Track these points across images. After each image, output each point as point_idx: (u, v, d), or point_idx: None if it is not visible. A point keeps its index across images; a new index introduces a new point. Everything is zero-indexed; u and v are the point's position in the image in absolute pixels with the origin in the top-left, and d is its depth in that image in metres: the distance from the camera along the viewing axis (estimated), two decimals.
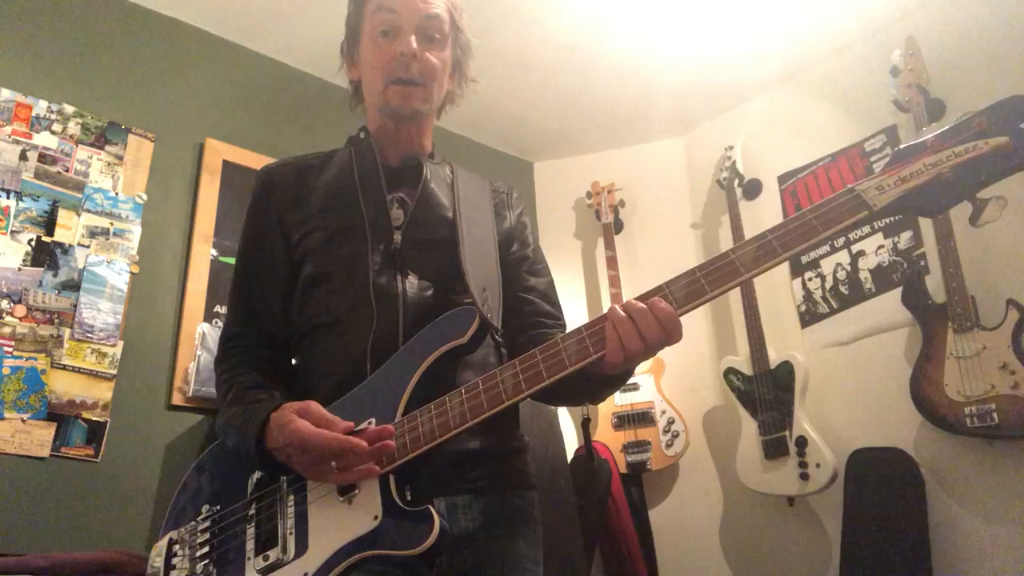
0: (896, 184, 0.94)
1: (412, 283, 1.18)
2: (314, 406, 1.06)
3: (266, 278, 1.26)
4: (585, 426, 2.86)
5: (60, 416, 2.14)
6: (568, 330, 1.07)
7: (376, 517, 1.01)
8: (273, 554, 1.05)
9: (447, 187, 1.30)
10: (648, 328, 0.97)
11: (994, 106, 0.92)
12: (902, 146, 0.96)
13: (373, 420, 1.08)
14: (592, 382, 1.10)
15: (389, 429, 1.03)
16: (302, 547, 1.04)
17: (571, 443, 3.11)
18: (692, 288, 0.98)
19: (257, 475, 1.14)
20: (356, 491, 1.04)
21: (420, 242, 1.21)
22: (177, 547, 1.15)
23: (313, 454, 1.02)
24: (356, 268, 1.18)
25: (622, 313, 0.98)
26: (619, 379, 1.13)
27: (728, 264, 0.97)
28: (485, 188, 1.36)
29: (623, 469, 2.93)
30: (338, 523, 1.03)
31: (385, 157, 1.30)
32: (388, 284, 1.17)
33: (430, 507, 0.99)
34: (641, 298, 1.00)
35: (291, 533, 1.05)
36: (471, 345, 1.09)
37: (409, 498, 1.04)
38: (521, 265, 1.32)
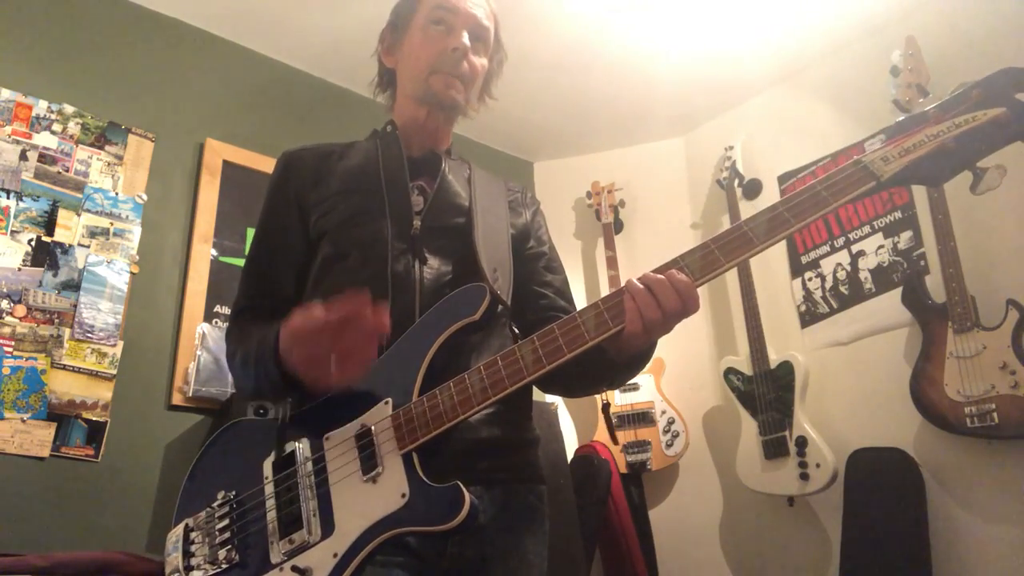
0: (900, 155, 0.95)
1: (429, 269, 1.19)
2: (313, 306, 1.02)
3: (281, 255, 1.27)
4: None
5: (60, 416, 2.14)
6: None
7: (404, 495, 0.99)
8: (298, 536, 1.03)
9: (464, 180, 1.34)
10: (666, 298, 0.97)
11: (990, 77, 0.94)
12: (903, 117, 0.98)
13: (390, 400, 1.07)
14: (611, 365, 1.10)
15: (384, 321, 1.00)
16: (328, 528, 1.02)
17: (571, 443, 3.12)
18: (707, 260, 0.99)
19: (272, 458, 1.12)
20: (380, 470, 1.02)
21: (437, 228, 1.24)
22: (194, 534, 1.13)
23: (307, 345, 1.00)
24: (374, 251, 1.19)
25: (640, 285, 0.99)
26: (637, 361, 1.13)
27: (742, 235, 0.98)
28: (501, 186, 1.40)
29: (623, 469, 2.93)
30: (364, 502, 1.01)
31: (408, 148, 1.33)
32: (405, 270, 1.18)
33: (458, 483, 0.98)
34: (657, 270, 1.00)
35: (315, 515, 1.04)
36: (482, 322, 1.09)
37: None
38: (538, 261, 1.35)
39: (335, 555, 0.99)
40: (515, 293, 1.27)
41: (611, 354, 1.08)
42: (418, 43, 1.32)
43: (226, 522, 1.11)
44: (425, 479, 1.00)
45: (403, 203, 1.24)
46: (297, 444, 1.10)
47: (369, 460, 1.03)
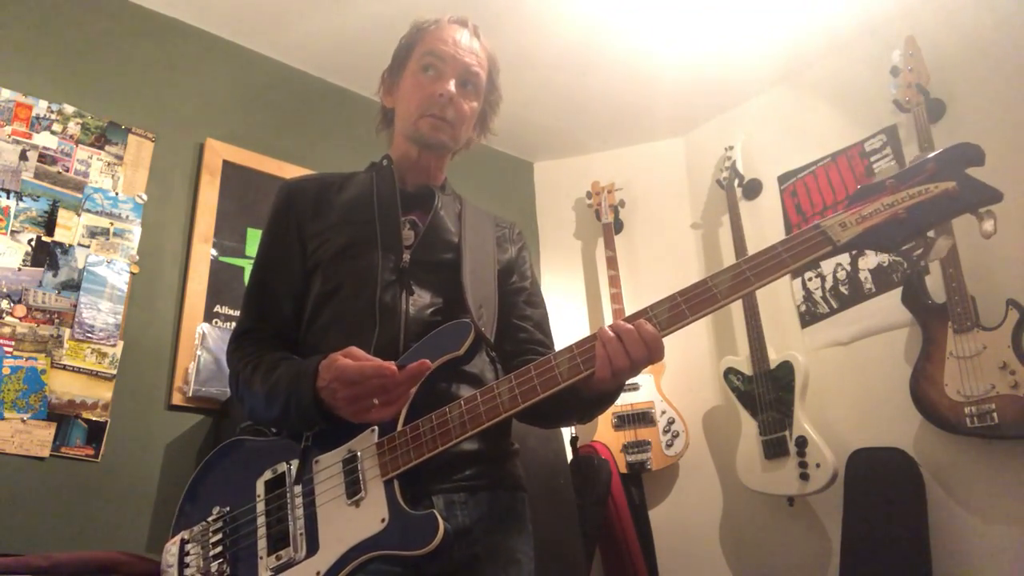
0: (857, 222, 1.03)
1: (415, 301, 1.26)
2: (357, 349, 1.12)
3: (281, 282, 1.34)
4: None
5: (60, 416, 2.14)
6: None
7: (383, 520, 1.06)
8: (285, 553, 1.10)
9: (455, 216, 1.41)
10: (634, 347, 1.05)
11: (945, 151, 1.01)
12: (863, 185, 1.06)
13: (376, 428, 1.13)
14: (582, 401, 1.17)
15: (427, 364, 1.09)
16: (313, 547, 1.09)
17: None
18: (674, 312, 1.06)
19: (265, 477, 1.18)
20: (363, 495, 1.09)
21: (427, 263, 1.31)
22: (189, 546, 1.19)
23: (358, 387, 1.08)
24: (365, 282, 1.26)
25: (611, 333, 1.07)
26: (606, 399, 1.20)
27: (706, 291, 1.05)
28: (490, 222, 1.47)
29: (623, 469, 2.93)
30: (347, 525, 1.08)
31: (403, 183, 1.41)
32: (393, 301, 1.25)
33: (434, 511, 1.05)
34: (628, 319, 1.08)
35: (302, 533, 1.10)
36: (467, 357, 1.16)
37: (408, 496, 1.08)
38: (519, 295, 1.42)
39: (318, 573, 1.06)
40: (497, 325, 1.33)
41: (581, 392, 1.14)
42: (410, 87, 1.41)
43: (219, 536, 1.17)
44: (404, 506, 1.06)
45: (394, 237, 1.31)
46: (289, 465, 1.16)
47: (353, 485, 1.10)
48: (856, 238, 1.02)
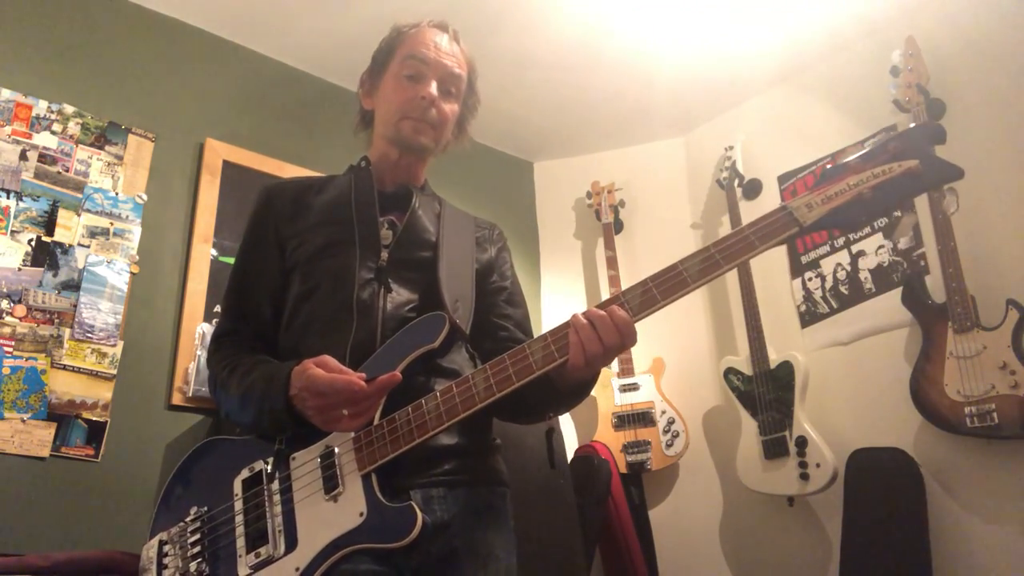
0: (822, 202, 1.04)
1: (393, 298, 1.27)
2: (330, 359, 1.12)
3: (259, 284, 1.36)
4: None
5: (60, 416, 2.14)
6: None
7: (361, 514, 1.06)
8: (264, 551, 1.10)
9: (434, 216, 1.41)
10: (607, 333, 1.05)
11: (908, 131, 1.02)
12: (829, 166, 1.07)
13: None
14: (558, 392, 1.18)
15: (396, 376, 1.10)
16: (291, 543, 1.09)
17: (571, 443, 3.12)
18: (645, 297, 1.06)
19: (243, 476, 1.18)
20: (340, 489, 1.09)
21: (404, 261, 1.31)
22: (168, 547, 1.19)
23: (327, 398, 1.09)
24: (343, 280, 1.27)
25: (584, 320, 1.07)
26: (582, 389, 1.21)
27: (677, 275, 1.06)
28: (470, 222, 1.47)
29: (623, 469, 2.93)
30: (325, 520, 1.08)
31: (381, 184, 1.41)
32: (370, 298, 1.26)
33: (412, 503, 1.06)
34: (600, 306, 1.08)
35: (280, 531, 1.10)
36: (442, 350, 1.18)
37: (387, 491, 1.09)
38: (499, 295, 1.42)
39: (297, 569, 1.06)
40: (477, 324, 1.34)
41: (557, 383, 1.15)
42: (391, 90, 1.41)
43: (197, 536, 1.17)
44: (382, 499, 1.07)
45: (372, 236, 1.32)
46: (266, 463, 1.17)
47: (331, 480, 1.11)
48: (822, 218, 1.03)
